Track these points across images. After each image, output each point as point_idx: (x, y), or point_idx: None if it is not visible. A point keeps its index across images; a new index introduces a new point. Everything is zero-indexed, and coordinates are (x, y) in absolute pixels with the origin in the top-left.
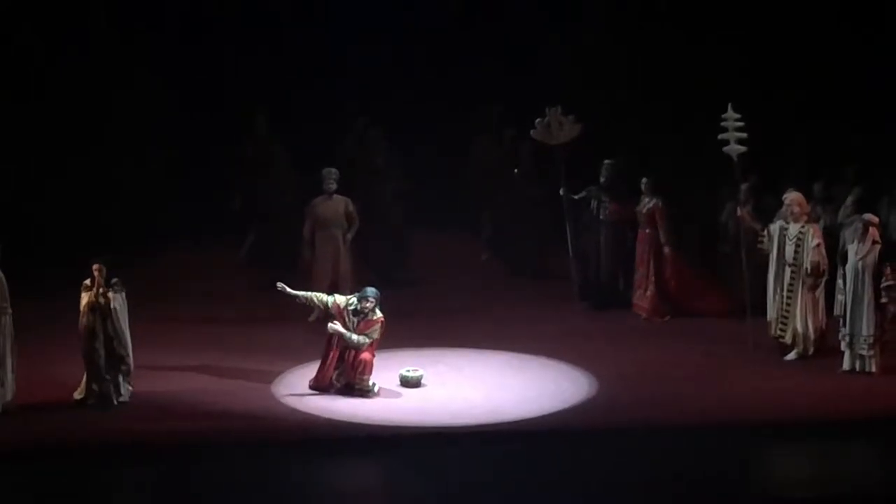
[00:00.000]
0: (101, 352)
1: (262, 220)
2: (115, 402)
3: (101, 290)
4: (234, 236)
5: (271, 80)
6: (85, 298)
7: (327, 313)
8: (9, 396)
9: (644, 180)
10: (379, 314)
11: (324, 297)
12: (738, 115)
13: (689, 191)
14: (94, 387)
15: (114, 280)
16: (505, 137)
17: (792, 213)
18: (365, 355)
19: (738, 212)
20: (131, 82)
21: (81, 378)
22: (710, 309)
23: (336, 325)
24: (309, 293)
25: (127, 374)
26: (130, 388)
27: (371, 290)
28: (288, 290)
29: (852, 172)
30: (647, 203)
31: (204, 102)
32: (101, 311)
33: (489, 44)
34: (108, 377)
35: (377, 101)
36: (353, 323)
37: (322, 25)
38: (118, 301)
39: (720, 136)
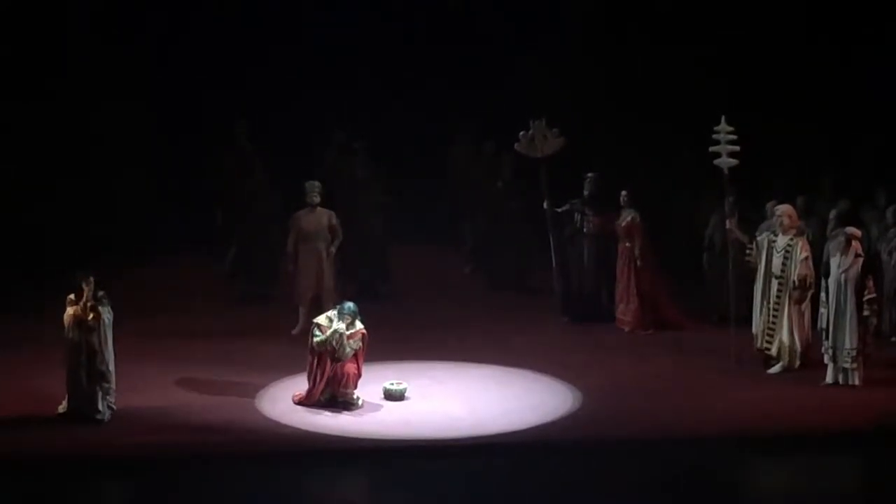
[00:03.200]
0: (84, 367)
1: (244, 233)
2: (95, 419)
3: (88, 304)
4: (216, 249)
5: (251, 93)
6: (70, 312)
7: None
8: None
9: (623, 193)
10: (359, 325)
11: (319, 329)
12: (730, 128)
13: (672, 204)
14: (75, 402)
15: (100, 293)
16: (485, 151)
17: (781, 224)
18: (349, 368)
19: (728, 224)
20: (111, 97)
21: (65, 392)
22: (673, 322)
23: (323, 334)
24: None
25: (107, 393)
26: (112, 407)
27: (348, 306)
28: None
29: (829, 185)
30: (626, 216)
31: (183, 115)
32: (87, 325)
33: (469, 57)
34: (89, 393)
35: (357, 114)
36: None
37: (301, 38)
38: (105, 315)
39: (711, 149)
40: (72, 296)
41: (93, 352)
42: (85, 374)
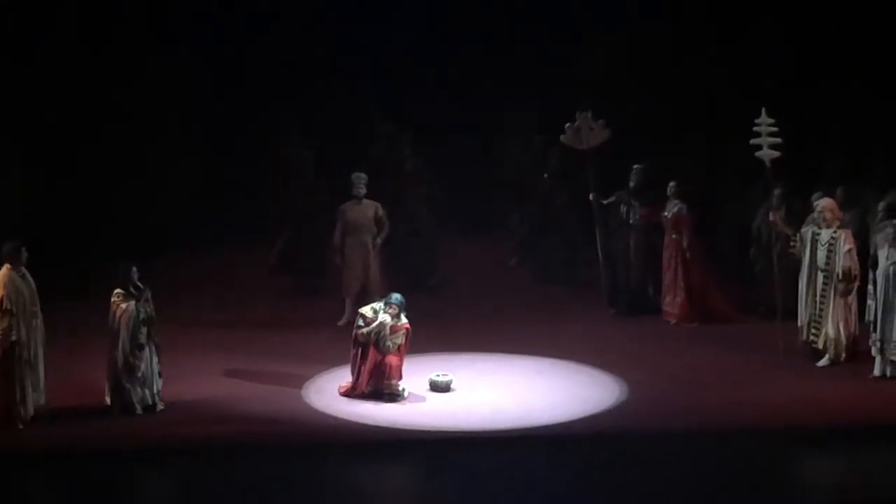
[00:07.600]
0: (145, 360)
1: (292, 224)
2: (156, 410)
3: (145, 297)
4: (263, 239)
5: (299, 83)
6: (125, 307)
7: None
8: (41, 400)
9: (671, 184)
10: (404, 320)
11: (363, 319)
12: (771, 120)
13: (718, 196)
14: (131, 395)
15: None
16: (535, 142)
17: (824, 219)
18: (392, 360)
19: (771, 216)
20: (160, 82)
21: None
22: (721, 314)
23: (367, 327)
24: (372, 327)
25: (158, 384)
26: (161, 398)
27: (395, 297)
28: (363, 329)
29: (878, 175)
30: (673, 208)
31: (232, 104)
32: (150, 319)
33: (520, 48)
34: (139, 385)
35: (405, 105)
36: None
37: (352, 29)
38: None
39: (752, 141)
40: (121, 290)
41: (155, 344)
42: (145, 366)
